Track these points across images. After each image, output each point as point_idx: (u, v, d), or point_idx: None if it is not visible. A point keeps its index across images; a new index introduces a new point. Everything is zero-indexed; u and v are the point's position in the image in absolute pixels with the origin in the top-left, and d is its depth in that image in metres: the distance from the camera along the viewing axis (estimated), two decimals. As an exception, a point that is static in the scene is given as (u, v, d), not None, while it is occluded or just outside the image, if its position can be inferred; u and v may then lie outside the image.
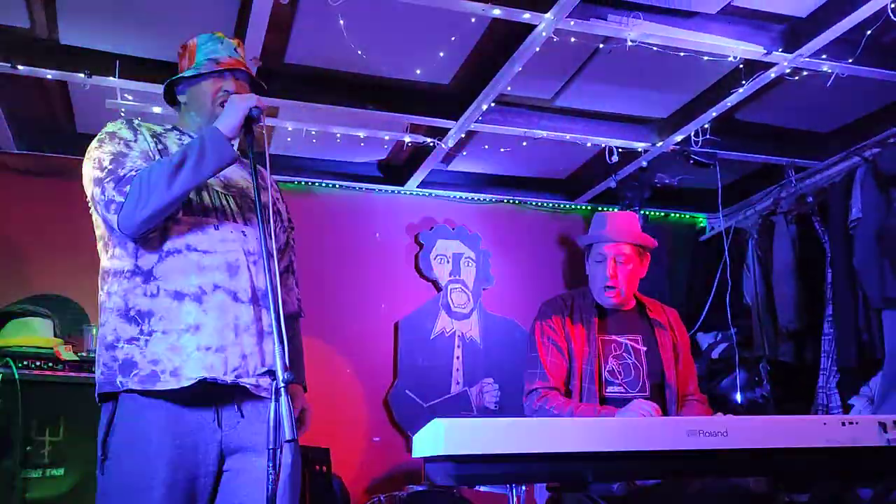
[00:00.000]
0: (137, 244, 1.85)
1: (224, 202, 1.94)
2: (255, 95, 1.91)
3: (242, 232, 1.93)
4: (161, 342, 1.79)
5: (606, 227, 2.71)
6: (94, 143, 1.92)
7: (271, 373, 1.63)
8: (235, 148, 1.90)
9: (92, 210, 1.91)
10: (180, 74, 2.03)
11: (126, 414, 1.80)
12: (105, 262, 1.91)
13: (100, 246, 1.94)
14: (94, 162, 1.86)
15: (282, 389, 1.58)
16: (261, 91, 2.08)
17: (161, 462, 1.75)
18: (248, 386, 1.84)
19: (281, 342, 1.64)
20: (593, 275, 2.71)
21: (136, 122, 1.98)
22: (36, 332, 3.13)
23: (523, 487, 2.89)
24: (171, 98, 2.07)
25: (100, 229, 1.93)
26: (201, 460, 1.80)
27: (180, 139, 2.00)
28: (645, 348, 2.64)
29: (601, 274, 2.66)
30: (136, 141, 1.90)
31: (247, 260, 1.90)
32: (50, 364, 3.03)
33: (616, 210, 4.60)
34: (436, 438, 1.66)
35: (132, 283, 1.84)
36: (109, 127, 1.94)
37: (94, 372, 3.06)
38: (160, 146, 1.93)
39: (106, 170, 1.82)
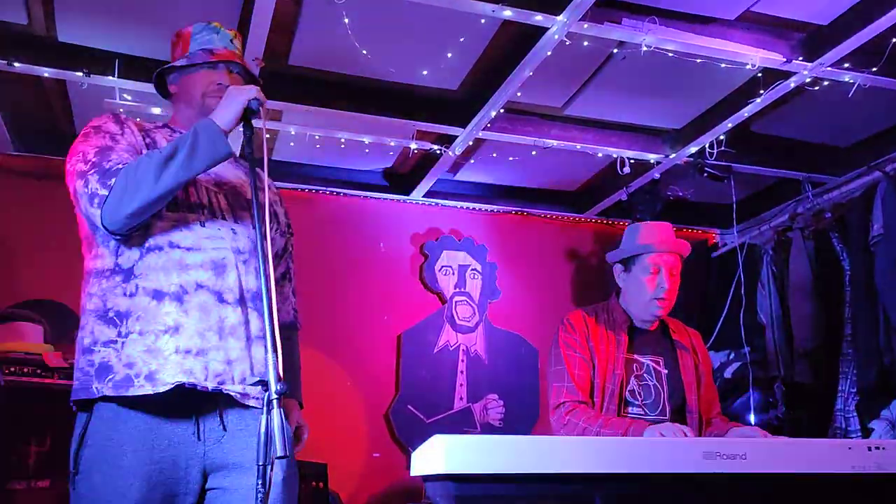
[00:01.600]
0: (119, 242, 1.75)
1: (213, 199, 1.84)
2: (254, 87, 1.80)
3: (232, 229, 1.82)
4: (137, 344, 1.67)
5: (658, 237, 2.62)
6: (78, 138, 1.82)
7: (263, 383, 1.52)
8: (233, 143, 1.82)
9: (76, 208, 1.81)
10: (171, 64, 1.95)
11: (100, 425, 1.68)
12: (87, 262, 1.81)
13: (83, 247, 1.84)
14: (77, 156, 1.76)
15: (274, 401, 1.47)
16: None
17: (135, 478, 1.62)
18: (232, 394, 1.71)
19: (274, 350, 1.52)
20: (639, 286, 2.58)
21: (123, 115, 1.89)
22: (24, 338, 3.04)
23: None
24: (163, 89, 1.99)
25: (84, 229, 1.83)
26: (181, 477, 1.67)
27: (171, 136, 1.90)
28: (666, 371, 2.57)
29: (654, 284, 2.55)
30: (122, 134, 1.81)
31: (235, 259, 1.78)
32: (38, 371, 2.94)
33: (632, 223, 4.52)
34: (436, 456, 1.58)
35: (112, 282, 1.74)
36: (94, 121, 1.86)
37: (83, 380, 3.01)
38: (148, 140, 1.84)
39: (90, 163, 1.72)
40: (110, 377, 1.67)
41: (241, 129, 1.82)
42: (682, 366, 2.59)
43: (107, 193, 1.68)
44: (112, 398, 1.67)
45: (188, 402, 1.69)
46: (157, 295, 1.71)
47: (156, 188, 1.65)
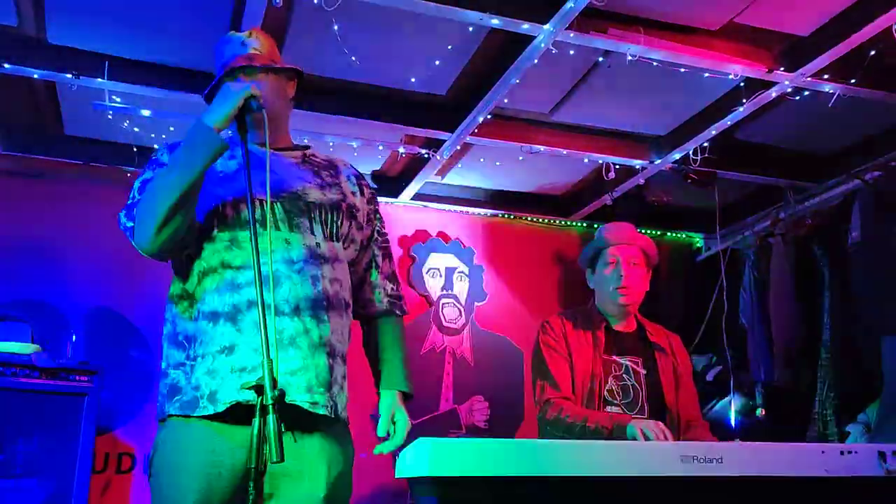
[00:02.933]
0: (182, 267, 1.82)
1: (265, 211, 1.78)
2: (248, 83, 1.80)
3: (285, 240, 1.81)
4: (202, 366, 1.74)
5: (614, 232, 2.73)
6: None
7: (259, 387, 1.53)
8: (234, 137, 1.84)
9: None
10: (204, 92, 1.99)
11: (169, 434, 1.77)
12: (169, 289, 1.90)
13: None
14: (131, 192, 1.85)
15: (269, 407, 1.47)
16: (291, 71, 1.97)
17: (195, 480, 1.69)
18: (298, 404, 1.74)
19: (269, 355, 1.53)
20: (602, 280, 2.69)
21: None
22: (11, 338, 3.04)
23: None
24: None
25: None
26: (239, 478, 1.71)
27: (231, 151, 1.88)
28: (644, 371, 2.62)
29: (614, 275, 2.64)
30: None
31: (288, 270, 1.79)
32: (26, 371, 2.94)
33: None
34: (420, 459, 1.60)
35: (180, 307, 1.81)
36: (156, 152, 1.92)
37: (72, 380, 3.02)
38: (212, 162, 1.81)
39: (132, 198, 1.82)
40: (178, 398, 1.75)
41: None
42: (660, 367, 2.65)
43: (132, 224, 1.76)
44: (179, 416, 1.75)
45: (245, 416, 1.69)
46: (213, 317, 1.75)
47: (166, 199, 1.69)
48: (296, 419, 1.75)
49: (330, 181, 1.96)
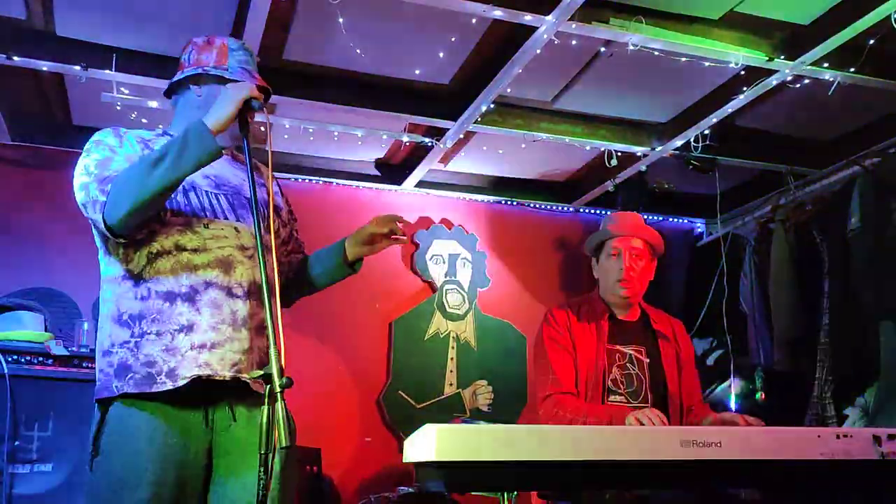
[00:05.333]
0: (127, 248, 1.84)
1: (214, 201, 1.92)
2: (249, 84, 1.86)
3: (235, 228, 1.92)
4: (155, 344, 1.79)
5: (618, 223, 2.74)
6: (82, 154, 1.91)
7: (268, 377, 1.59)
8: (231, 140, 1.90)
9: (87, 218, 1.90)
10: (205, 69, 1.97)
11: (118, 413, 1.79)
12: (102, 269, 1.92)
13: (99, 256, 1.95)
14: (81, 169, 1.86)
15: (278, 394, 1.54)
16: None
17: (150, 461, 1.74)
18: (249, 382, 1.82)
19: (277, 343, 1.60)
20: (606, 270, 2.71)
21: (123, 129, 1.96)
22: (25, 326, 3.09)
23: (515, 493, 2.87)
24: (171, 89, 2.03)
25: (97, 238, 1.92)
26: (191, 461, 1.79)
27: None
28: (648, 360, 2.65)
29: (615, 267, 2.66)
30: (121, 147, 1.89)
31: (241, 255, 1.89)
32: (40, 359, 2.99)
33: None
34: (427, 444, 1.64)
35: (123, 287, 1.85)
36: (96, 136, 1.94)
37: (84, 367, 3.07)
38: (147, 151, 1.90)
39: (91, 174, 1.82)
40: (130, 375, 1.79)
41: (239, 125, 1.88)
42: (663, 355, 2.67)
43: (105, 199, 1.77)
44: (132, 395, 1.78)
45: (200, 394, 1.80)
46: (170, 297, 1.81)
47: (147, 188, 1.73)
48: (246, 396, 1.84)
49: (259, 180, 2.02)
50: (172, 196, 1.85)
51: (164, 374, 1.77)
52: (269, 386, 1.55)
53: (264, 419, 1.54)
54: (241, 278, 1.87)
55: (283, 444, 1.49)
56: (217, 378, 1.79)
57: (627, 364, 2.63)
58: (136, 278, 1.83)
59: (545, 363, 2.62)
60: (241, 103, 1.81)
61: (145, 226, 1.82)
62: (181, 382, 1.76)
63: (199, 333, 1.79)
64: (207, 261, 1.84)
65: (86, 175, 1.83)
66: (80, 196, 1.83)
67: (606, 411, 2.44)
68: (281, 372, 1.55)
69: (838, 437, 1.88)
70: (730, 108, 3.54)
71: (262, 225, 1.76)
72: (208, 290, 1.82)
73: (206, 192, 1.92)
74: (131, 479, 1.73)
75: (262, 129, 1.96)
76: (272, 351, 1.58)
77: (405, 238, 2.11)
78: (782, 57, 3.18)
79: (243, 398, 1.85)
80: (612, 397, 2.58)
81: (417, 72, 3.44)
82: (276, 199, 2.10)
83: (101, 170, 1.82)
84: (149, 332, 1.79)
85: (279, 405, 1.52)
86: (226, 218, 1.91)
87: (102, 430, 1.79)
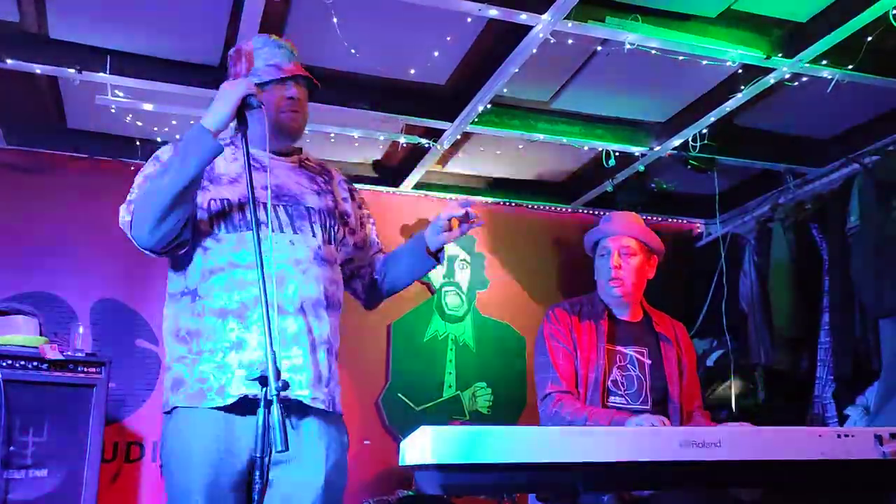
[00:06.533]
0: (185, 266, 1.86)
1: (271, 214, 1.86)
2: (245, 82, 1.84)
3: (290, 241, 1.89)
4: (208, 361, 1.81)
5: (611, 222, 2.73)
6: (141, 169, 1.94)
7: (263, 379, 1.58)
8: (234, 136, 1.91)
9: None
10: (256, 81, 1.95)
11: (176, 425, 1.84)
12: (168, 286, 1.95)
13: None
14: (132, 188, 1.90)
15: (273, 398, 1.54)
16: (318, 92, 2.05)
17: (203, 466, 1.77)
18: (301, 399, 1.82)
19: (272, 349, 1.59)
20: (599, 269, 2.71)
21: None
22: (20, 331, 3.07)
23: (514, 495, 2.85)
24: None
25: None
26: (243, 469, 1.79)
27: (234, 153, 1.94)
28: (650, 362, 2.63)
29: (605, 266, 2.65)
30: None
31: (295, 270, 1.86)
32: (34, 363, 2.98)
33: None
34: (423, 446, 1.63)
35: (181, 303, 1.87)
36: (158, 151, 1.96)
37: (79, 371, 3.06)
38: (209, 165, 1.85)
39: (132, 192, 1.87)
40: (182, 390, 1.82)
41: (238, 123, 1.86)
42: (664, 357, 2.64)
43: (130, 219, 1.81)
44: (185, 407, 1.82)
45: (254, 405, 1.75)
46: (222, 314, 1.82)
47: (159, 200, 1.74)
48: (297, 412, 1.84)
49: (325, 187, 2.03)
50: (227, 211, 1.85)
51: (215, 392, 1.79)
52: (265, 390, 1.55)
53: (259, 423, 1.54)
54: (291, 294, 1.84)
55: (279, 449, 1.49)
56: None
57: (628, 365, 2.61)
58: (193, 295, 1.85)
59: (546, 361, 2.60)
60: (237, 101, 1.80)
61: (180, 239, 1.81)
62: (229, 401, 1.78)
63: (247, 352, 1.80)
64: (258, 277, 1.77)
65: (130, 194, 1.88)
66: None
67: (607, 415, 2.42)
68: (277, 375, 1.55)
69: (839, 436, 1.86)
70: (728, 106, 3.52)
71: (324, 235, 1.84)
72: (258, 308, 1.77)
73: (264, 204, 1.84)
74: (185, 483, 1.78)
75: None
76: (268, 354, 1.59)
77: (481, 219, 2.04)
78: (780, 55, 3.16)
79: (303, 410, 1.85)
80: (612, 398, 2.56)
81: (412, 71, 3.42)
82: (343, 205, 2.07)
83: (137, 188, 1.87)
84: (204, 349, 1.82)
85: (275, 409, 1.51)
86: (281, 231, 1.88)
87: (164, 442, 1.86)
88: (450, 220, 2.00)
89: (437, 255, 2.07)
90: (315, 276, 1.88)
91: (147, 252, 1.83)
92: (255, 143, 1.88)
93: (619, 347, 2.62)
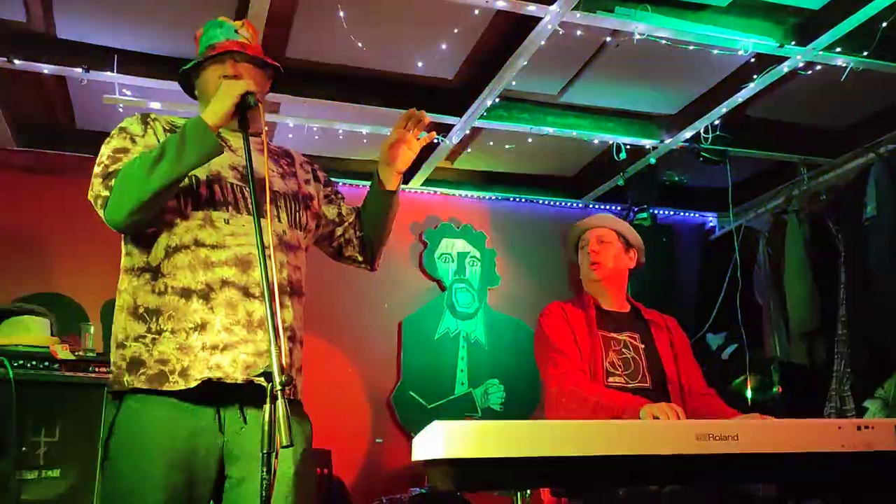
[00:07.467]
0: (147, 240, 1.80)
1: (238, 194, 1.83)
2: (246, 80, 1.82)
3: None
4: (170, 342, 1.74)
5: (588, 219, 2.84)
6: (106, 140, 1.86)
7: (268, 374, 1.56)
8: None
9: None
10: (182, 69, 1.96)
11: (128, 414, 1.75)
12: (122, 259, 1.87)
13: (122, 244, 1.90)
14: (99, 158, 1.81)
15: (278, 392, 1.50)
16: (272, 69, 1.97)
17: (159, 464, 1.69)
18: (264, 384, 1.76)
19: (277, 341, 1.56)
20: (581, 263, 2.79)
21: (153, 116, 1.90)
22: (31, 331, 3.07)
23: (528, 490, 2.83)
24: (191, 93, 1.99)
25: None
26: (201, 465, 1.73)
27: None
28: (643, 345, 2.68)
29: (585, 255, 2.74)
30: (143, 136, 1.84)
31: (260, 254, 1.81)
32: (46, 363, 2.96)
33: (621, 207, 4.60)
34: (435, 442, 1.61)
35: (141, 280, 1.80)
36: (123, 122, 1.88)
37: (90, 371, 3.04)
38: (205, 163, 1.81)
39: (102, 165, 1.78)
40: (143, 371, 1.73)
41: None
42: (656, 339, 2.71)
43: (108, 194, 1.73)
44: (143, 391, 1.73)
45: (212, 395, 1.74)
46: (185, 293, 1.76)
47: (147, 187, 1.69)
48: (259, 399, 1.72)
49: (288, 170, 1.98)
50: (195, 188, 1.80)
51: (177, 374, 1.72)
52: (269, 385, 1.52)
53: (266, 418, 1.51)
54: (258, 278, 1.78)
55: (285, 444, 1.46)
56: (228, 381, 1.74)
57: (623, 349, 2.67)
58: (154, 272, 1.78)
59: (552, 347, 2.63)
60: (237, 98, 1.77)
61: (152, 221, 1.77)
62: (192, 384, 1.71)
63: (211, 334, 1.74)
64: (225, 258, 1.77)
65: (97, 166, 1.80)
66: (89, 190, 1.79)
67: (621, 399, 2.42)
68: (281, 370, 1.51)
69: (859, 428, 1.83)
70: (740, 97, 3.48)
71: (289, 220, 1.76)
72: (224, 289, 1.76)
73: (232, 184, 1.84)
74: (139, 484, 1.69)
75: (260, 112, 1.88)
76: (272, 349, 1.55)
77: (429, 124, 1.99)
78: (793, 43, 3.12)
79: (255, 401, 1.79)
80: (611, 379, 2.59)
81: (420, 65, 3.39)
82: (305, 187, 2.00)
83: (111, 161, 1.78)
84: (165, 328, 1.75)
85: (280, 403, 1.48)
86: (249, 213, 1.83)
87: (112, 432, 1.76)
88: (390, 146, 1.97)
89: (389, 191, 2.02)
90: (280, 262, 1.83)
91: (115, 229, 1.77)
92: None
93: (612, 334, 2.69)
